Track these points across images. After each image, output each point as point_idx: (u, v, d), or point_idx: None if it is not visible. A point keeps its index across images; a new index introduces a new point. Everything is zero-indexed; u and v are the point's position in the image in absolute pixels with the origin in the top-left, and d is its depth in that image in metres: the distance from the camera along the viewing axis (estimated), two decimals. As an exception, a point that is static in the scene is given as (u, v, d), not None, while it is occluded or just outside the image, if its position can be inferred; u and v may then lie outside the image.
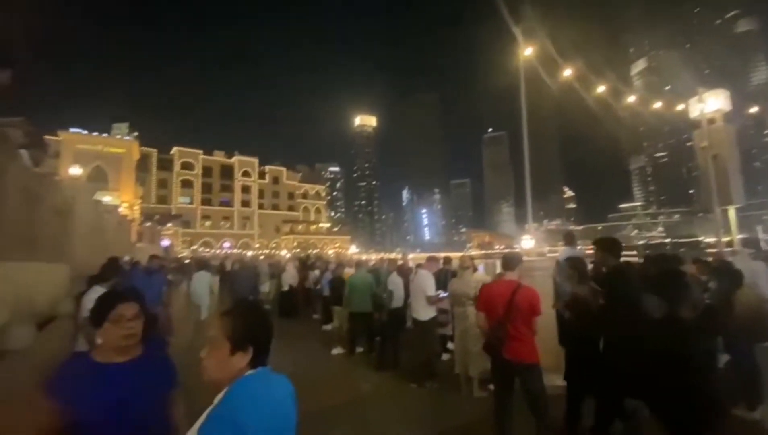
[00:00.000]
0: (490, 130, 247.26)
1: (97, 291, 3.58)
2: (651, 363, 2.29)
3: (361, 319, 6.57)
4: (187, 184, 69.35)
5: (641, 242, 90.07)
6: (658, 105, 11.91)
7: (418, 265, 5.95)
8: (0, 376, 2.64)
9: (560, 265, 4.55)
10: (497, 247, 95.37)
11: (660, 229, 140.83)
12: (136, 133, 61.18)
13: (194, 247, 61.98)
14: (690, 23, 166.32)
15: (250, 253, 51.13)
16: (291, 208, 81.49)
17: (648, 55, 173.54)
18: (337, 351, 6.84)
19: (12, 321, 3.28)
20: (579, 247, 6.13)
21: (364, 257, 28.74)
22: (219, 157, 74.26)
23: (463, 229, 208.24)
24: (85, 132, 49.89)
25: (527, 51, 8.95)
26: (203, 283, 9.78)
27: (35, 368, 2.59)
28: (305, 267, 11.73)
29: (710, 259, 5.66)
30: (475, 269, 6.51)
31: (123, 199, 41.38)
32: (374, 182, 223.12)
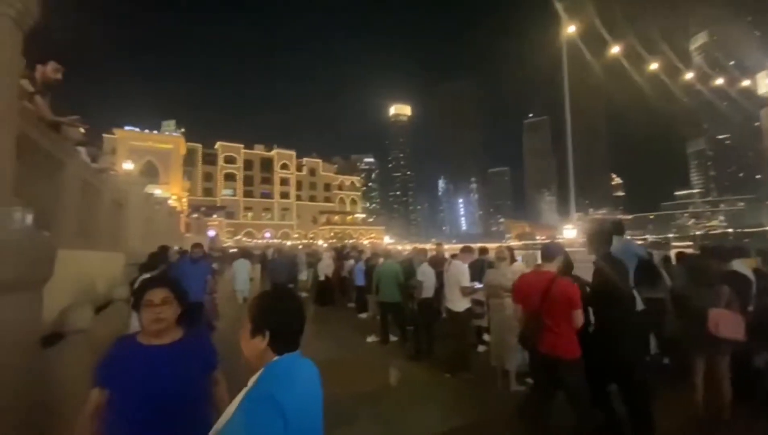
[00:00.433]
0: (531, 115, 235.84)
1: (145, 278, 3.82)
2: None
3: (390, 308, 6.64)
4: (230, 177, 72.69)
5: (699, 232, 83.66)
6: (720, 81, 10.81)
7: (453, 256, 5.83)
8: (63, 353, 2.88)
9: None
10: (538, 237, 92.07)
11: (721, 218, 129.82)
12: (182, 130, 64.65)
13: (237, 237, 65.09)
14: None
15: (289, 243, 52.93)
16: (327, 199, 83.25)
17: (709, 28, 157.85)
18: (371, 339, 6.92)
19: (74, 304, 3.59)
20: (628, 238, 5.74)
21: (399, 248, 28.82)
22: (259, 150, 77.07)
23: (502, 220, 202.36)
24: (137, 129, 53.44)
25: (570, 29, 8.41)
26: (242, 271, 10.30)
27: (93, 347, 2.84)
28: (341, 257, 11.93)
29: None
30: (513, 260, 6.28)
31: (172, 192, 44.02)
32: (409, 172, 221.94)
